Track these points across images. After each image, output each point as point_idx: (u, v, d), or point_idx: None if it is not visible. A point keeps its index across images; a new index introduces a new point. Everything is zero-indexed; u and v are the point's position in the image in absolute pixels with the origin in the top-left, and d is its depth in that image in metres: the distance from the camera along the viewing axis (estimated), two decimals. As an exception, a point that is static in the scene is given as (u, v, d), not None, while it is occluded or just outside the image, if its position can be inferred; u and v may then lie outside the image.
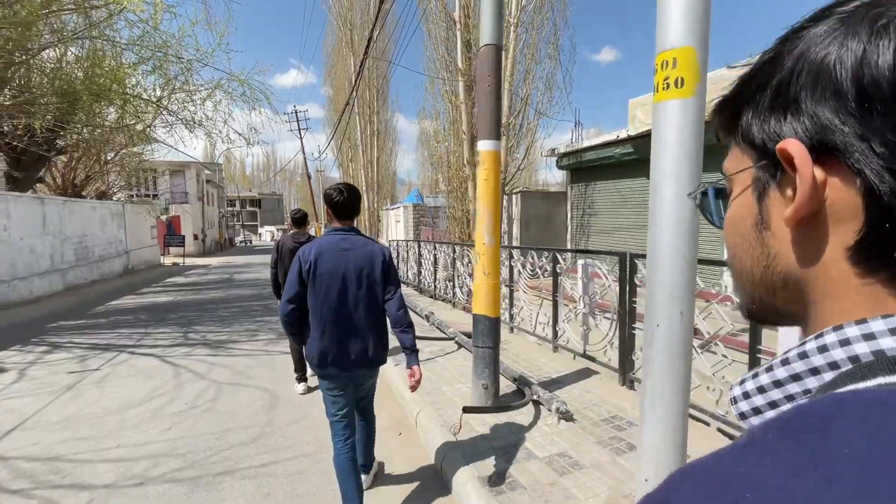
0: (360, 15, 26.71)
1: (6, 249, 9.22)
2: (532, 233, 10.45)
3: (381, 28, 9.94)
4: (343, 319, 2.06)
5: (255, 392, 4.19)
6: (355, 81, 13.18)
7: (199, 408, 3.84)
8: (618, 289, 3.64)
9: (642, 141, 7.69)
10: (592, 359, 4.02)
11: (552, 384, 3.79)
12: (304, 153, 24.15)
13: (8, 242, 9.29)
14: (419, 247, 9.40)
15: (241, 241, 45.00)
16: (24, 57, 8.15)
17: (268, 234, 56.49)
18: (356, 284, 2.07)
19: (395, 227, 24.57)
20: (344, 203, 2.12)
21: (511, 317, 5.60)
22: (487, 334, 3.22)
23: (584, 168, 9.86)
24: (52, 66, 9.31)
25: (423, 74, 11.98)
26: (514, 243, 10.40)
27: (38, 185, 13.23)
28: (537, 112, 9.79)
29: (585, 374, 4.01)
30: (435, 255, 8.43)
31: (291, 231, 4.45)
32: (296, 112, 23.93)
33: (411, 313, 6.73)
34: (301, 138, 24.33)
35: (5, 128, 9.44)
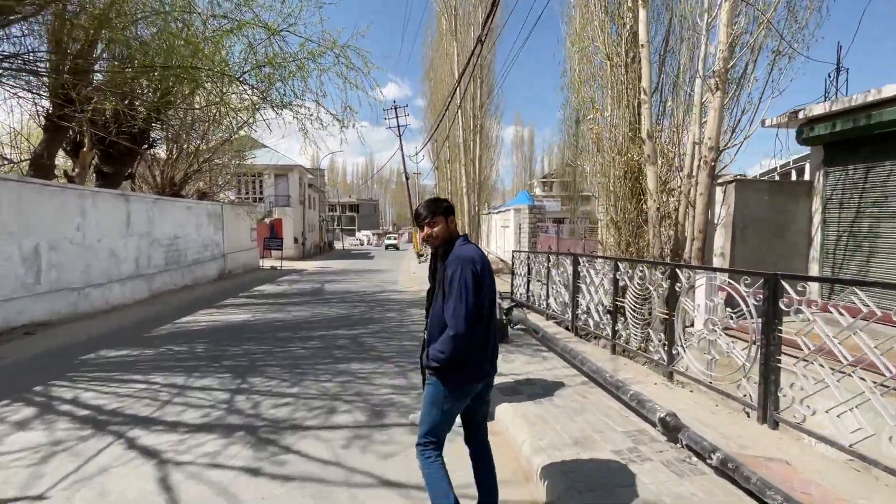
0: (462, 2, 24.57)
1: (79, 252, 7.98)
2: (750, 245, 6.61)
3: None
4: (493, 326, 2.06)
5: None
6: (474, 50, 10.51)
7: None
8: None
9: None
10: None
11: None
12: (402, 150, 22.49)
13: (81, 244, 8.06)
14: (574, 264, 6.19)
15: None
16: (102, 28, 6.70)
17: (364, 238, 57.16)
18: (493, 287, 2.08)
19: (500, 234, 21.47)
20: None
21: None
22: None
23: (861, 139, 5.84)
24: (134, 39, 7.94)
25: None
26: (718, 262, 6.67)
27: (135, 181, 12.67)
28: (776, 51, 5.98)
29: None
30: (614, 277, 5.14)
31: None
32: (395, 108, 22.30)
33: (598, 391, 3.98)
34: (400, 135, 22.64)
35: (93, 115, 8.32)
